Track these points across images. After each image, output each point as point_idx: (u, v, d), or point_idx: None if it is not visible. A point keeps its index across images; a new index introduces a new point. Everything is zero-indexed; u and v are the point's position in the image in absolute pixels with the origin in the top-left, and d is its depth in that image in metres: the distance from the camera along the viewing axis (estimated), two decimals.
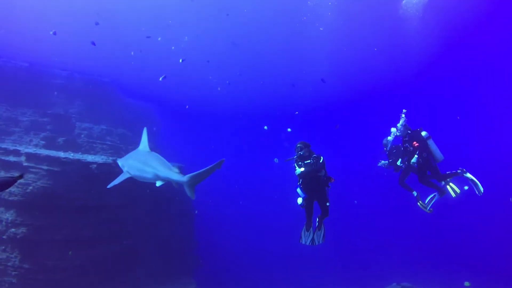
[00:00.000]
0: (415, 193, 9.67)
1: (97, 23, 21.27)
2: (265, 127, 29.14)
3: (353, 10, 32.88)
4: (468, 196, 9.29)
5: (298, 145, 7.50)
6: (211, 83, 42.94)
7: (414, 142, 8.87)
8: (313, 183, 7.39)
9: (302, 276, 25.05)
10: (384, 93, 40.75)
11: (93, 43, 18.77)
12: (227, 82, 36.81)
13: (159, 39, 32.09)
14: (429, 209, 9.44)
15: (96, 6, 31.48)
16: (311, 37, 37.82)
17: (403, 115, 9.35)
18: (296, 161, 7.48)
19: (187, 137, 45.01)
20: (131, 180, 14.81)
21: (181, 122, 46.37)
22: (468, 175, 8.80)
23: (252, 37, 40.63)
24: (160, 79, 17.63)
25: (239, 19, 37.18)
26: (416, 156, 8.85)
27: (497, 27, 29.03)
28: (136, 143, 19.60)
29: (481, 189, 8.63)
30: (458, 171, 8.90)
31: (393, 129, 9.72)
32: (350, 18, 33.91)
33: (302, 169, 7.27)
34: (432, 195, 9.62)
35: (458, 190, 9.15)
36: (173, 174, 5.60)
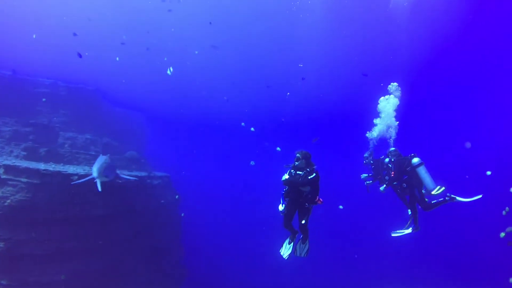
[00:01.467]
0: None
1: (75, 34, 20.98)
2: (252, 129, 29.11)
3: (339, 10, 32.98)
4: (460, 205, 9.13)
5: (297, 154, 7.09)
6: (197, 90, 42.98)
7: (392, 173, 8.86)
8: (295, 195, 7.09)
9: (291, 283, 24.90)
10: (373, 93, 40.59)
11: (80, 55, 18.43)
12: (225, 98, 36.96)
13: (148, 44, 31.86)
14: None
15: (84, 13, 31.13)
16: (297, 37, 37.85)
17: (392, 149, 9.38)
18: (291, 169, 7.17)
19: (174, 144, 44.72)
20: (113, 191, 14.63)
21: (168, 130, 46.08)
22: (459, 199, 8.49)
23: (236, 39, 40.57)
24: (168, 72, 17.54)
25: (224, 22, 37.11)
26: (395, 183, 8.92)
27: (488, 24, 29.26)
28: (121, 153, 19.42)
29: (478, 196, 8.48)
30: (446, 198, 8.51)
31: (386, 159, 9.67)
32: (337, 17, 33.99)
33: (286, 176, 7.03)
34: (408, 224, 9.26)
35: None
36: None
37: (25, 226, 12.64)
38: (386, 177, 9.12)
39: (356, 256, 27.08)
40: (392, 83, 10.15)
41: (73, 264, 13.49)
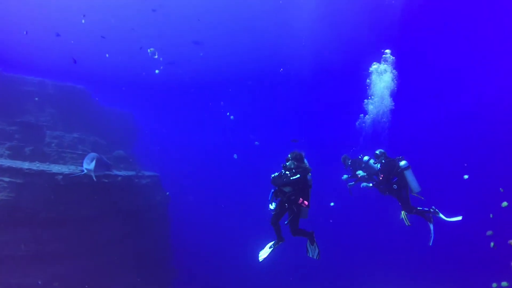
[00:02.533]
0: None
1: (58, 35, 20.75)
2: (256, 143, 29.11)
3: None
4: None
5: (289, 155, 6.99)
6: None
7: (381, 176, 8.97)
8: (280, 195, 6.97)
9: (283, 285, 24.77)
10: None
11: (75, 61, 18.19)
12: (229, 114, 37.26)
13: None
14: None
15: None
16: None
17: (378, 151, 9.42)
18: (282, 168, 7.03)
19: (167, 142, 44.59)
20: (99, 191, 14.38)
21: (160, 127, 46.04)
22: (441, 215, 8.68)
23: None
24: (157, 71, 17.60)
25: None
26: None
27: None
28: (109, 152, 19.15)
29: (459, 218, 8.51)
30: (431, 210, 8.76)
31: (365, 157, 10.12)
32: None
33: (273, 175, 6.98)
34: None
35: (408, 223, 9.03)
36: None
37: (8, 227, 12.33)
38: (379, 178, 9.14)
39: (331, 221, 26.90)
40: (386, 51, 9.88)
41: (58, 266, 13.19)
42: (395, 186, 8.81)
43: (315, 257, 7.45)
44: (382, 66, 9.83)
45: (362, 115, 10.77)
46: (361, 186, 9.87)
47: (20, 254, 12.40)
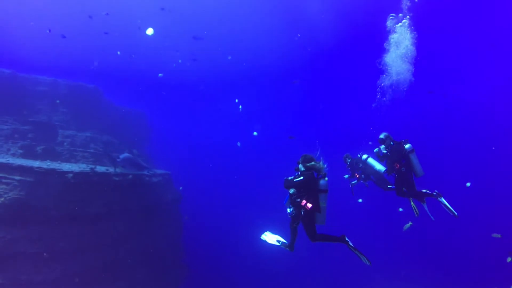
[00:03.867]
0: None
1: (49, 30, 21.04)
2: (238, 144, 29.66)
3: None
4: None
5: (300, 158, 6.89)
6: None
7: (396, 163, 8.82)
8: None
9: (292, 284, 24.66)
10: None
11: (63, 36, 18.44)
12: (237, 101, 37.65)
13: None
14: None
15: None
16: None
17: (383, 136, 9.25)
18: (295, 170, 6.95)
19: (179, 140, 44.83)
20: (111, 190, 14.44)
21: (173, 125, 46.35)
22: (443, 200, 8.54)
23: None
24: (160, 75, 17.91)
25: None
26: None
27: None
28: (121, 150, 19.25)
29: (455, 213, 8.37)
30: (434, 193, 8.65)
31: (364, 156, 10.21)
32: None
33: (285, 178, 6.77)
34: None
35: (417, 212, 9.03)
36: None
37: (19, 225, 12.47)
38: (392, 165, 9.01)
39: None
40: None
41: (67, 263, 13.29)
42: (403, 169, 8.73)
43: (366, 262, 6.82)
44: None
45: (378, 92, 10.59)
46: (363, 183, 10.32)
47: (31, 251, 12.51)
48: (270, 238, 7.44)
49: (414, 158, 8.65)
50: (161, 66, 39.53)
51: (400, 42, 9.76)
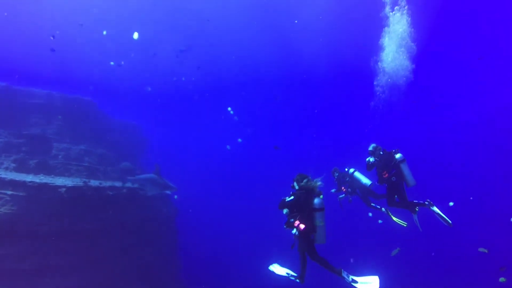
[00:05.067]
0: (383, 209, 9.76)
1: (53, 37, 21.19)
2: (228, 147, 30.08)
3: None
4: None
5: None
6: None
7: (384, 172, 8.85)
8: None
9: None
10: None
11: (53, 50, 18.49)
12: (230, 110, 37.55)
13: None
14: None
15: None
16: None
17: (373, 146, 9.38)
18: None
19: (174, 152, 44.67)
20: (104, 204, 14.21)
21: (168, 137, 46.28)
22: (435, 208, 8.46)
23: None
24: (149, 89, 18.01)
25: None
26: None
27: None
28: (115, 164, 19.04)
29: (449, 221, 8.23)
30: (426, 202, 8.57)
31: (351, 170, 10.34)
32: None
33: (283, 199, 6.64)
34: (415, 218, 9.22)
35: (404, 224, 9.18)
36: None
37: (10, 240, 12.24)
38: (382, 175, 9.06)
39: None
40: None
41: (61, 278, 13.03)
42: (393, 178, 8.71)
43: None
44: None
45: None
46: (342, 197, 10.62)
47: (24, 267, 12.26)
48: (279, 270, 7.20)
49: (405, 168, 8.59)
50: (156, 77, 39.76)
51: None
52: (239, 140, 37.13)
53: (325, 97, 45.06)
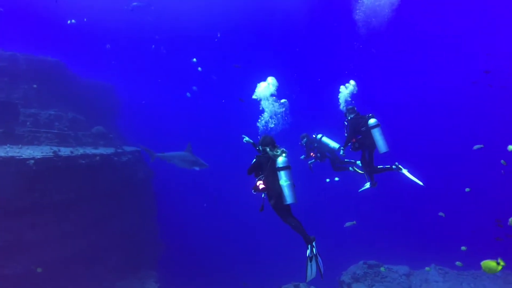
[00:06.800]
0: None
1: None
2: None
3: None
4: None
5: None
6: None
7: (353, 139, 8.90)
8: None
9: (267, 264, 24.69)
10: None
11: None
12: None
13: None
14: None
15: None
16: None
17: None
18: None
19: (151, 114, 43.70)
20: (78, 174, 13.75)
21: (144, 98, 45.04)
22: (405, 171, 8.45)
23: None
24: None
25: None
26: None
27: None
28: (88, 128, 18.35)
29: (420, 182, 8.26)
30: (393, 166, 8.54)
31: (319, 135, 10.56)
32: None
33: None
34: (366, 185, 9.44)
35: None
36: None
37: None
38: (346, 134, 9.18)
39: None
40: None
41: (39, 253, 12.78)
42: (356, 144, 8.78)
43: (312, 276, 5.79)
44: None
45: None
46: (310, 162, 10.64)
47: None
48: (310, 271, 5.79)
49: (377, 133, 8.36)
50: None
51: None
52: (194, 88, 36.78)
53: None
